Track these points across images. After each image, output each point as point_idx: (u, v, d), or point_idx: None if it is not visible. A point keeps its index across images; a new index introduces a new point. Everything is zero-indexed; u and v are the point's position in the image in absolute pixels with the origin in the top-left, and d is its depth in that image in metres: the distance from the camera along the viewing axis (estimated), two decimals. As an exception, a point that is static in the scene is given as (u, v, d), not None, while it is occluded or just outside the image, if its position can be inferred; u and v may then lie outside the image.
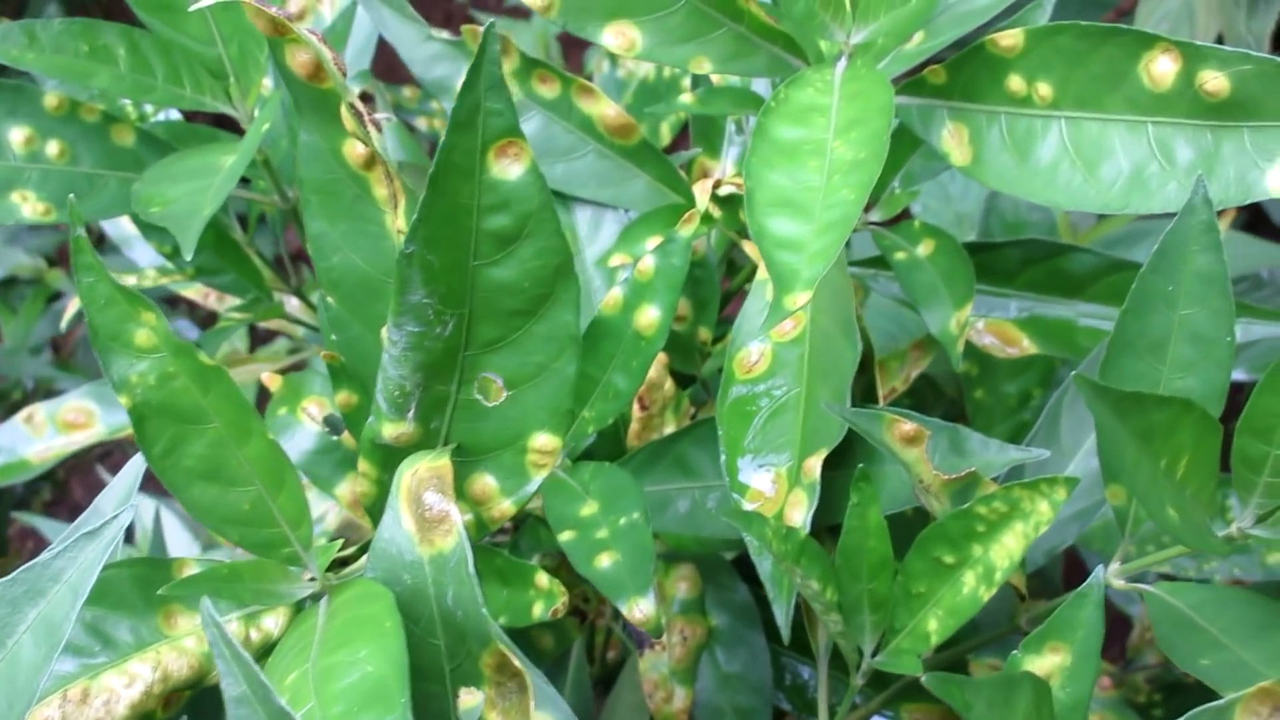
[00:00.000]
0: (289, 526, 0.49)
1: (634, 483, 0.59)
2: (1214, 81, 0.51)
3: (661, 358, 0.68)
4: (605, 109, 0.69)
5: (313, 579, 0.50)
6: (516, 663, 0.45)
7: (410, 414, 0.48)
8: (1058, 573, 0.94)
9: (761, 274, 0.64)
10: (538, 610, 0.57)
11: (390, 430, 0.48)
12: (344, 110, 0.50)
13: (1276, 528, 0.49)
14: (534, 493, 0.49)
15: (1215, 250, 0.50)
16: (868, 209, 0.70)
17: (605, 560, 0.56)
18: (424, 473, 0.46)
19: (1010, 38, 0.55)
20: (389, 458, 0.49)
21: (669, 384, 0.69)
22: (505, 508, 0.50)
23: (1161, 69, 0.53)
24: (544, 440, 0.49)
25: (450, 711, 0.47)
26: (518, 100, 0.69)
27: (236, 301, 0.79)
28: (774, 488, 0.59)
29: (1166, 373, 0.51)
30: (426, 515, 0.46)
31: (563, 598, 0.56)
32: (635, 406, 0.68)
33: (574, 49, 1.58)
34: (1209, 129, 0.52)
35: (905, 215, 0.76)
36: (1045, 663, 0.49)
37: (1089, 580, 0.50)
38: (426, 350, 0.46)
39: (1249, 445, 0.48)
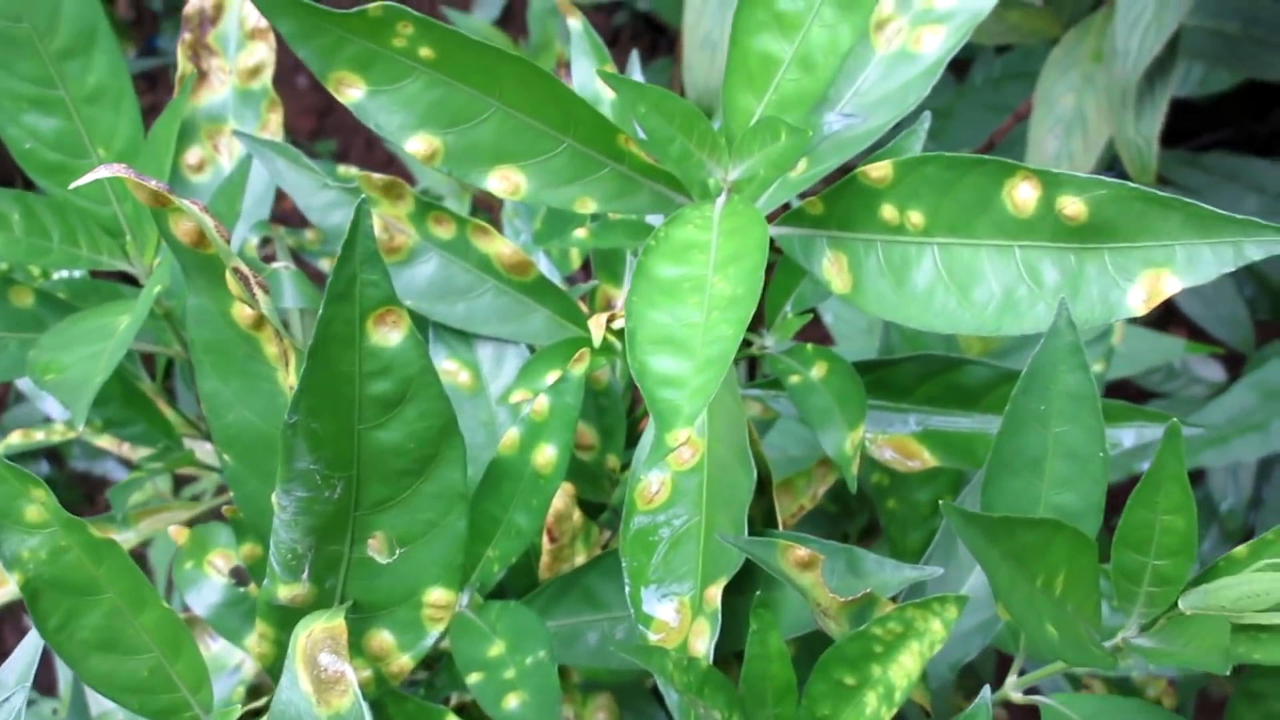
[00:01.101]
0: (189, 691, 0.49)
1: (539, 621, 0.59)
2: (1072, 206, 0.53)
3: (568, 488, 0.69)
4: (501, 248, 0.71)
5: (215, 743, 0.50)
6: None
7: (304, 575, 0.48)
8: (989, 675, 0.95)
9: (659, 404, 0.65)
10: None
11: (285, 592, 0.49)
12: (229, 275, 0.51)
13: (1160, 636, 0.50)
14: (431, 646, 0.50)
15: (1082, 370, 0.51)
16: (762, 333, 0.71)
17: (513, 701, 0.56)
18: (319, 634, 0.46)
19: (880, 169, 0.57)
20: (286, 618, 0.49)
21: (577, 514, 0.70)
22: (404, 662, 0.50)
23: (1023, 196, 0.55)
24: (438, 595, 0.49)
25: None
26: (415, 243, 0.70)
27: (148, 451, 0.79)
28: (677, 617, 0.60)
29: (1045, 489, 0.52)
30: (322, 676, 0.46)
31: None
32: (545, 538, 0.68)
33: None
34: (1072, 251, 0.54)
35: (816, 326, 0.77)
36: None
37: (976, 700, 0.51)
38: (316, 514, 0.47)
39: (1126, 558, 0.49)
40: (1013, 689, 0.56)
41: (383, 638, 0.50)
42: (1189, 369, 1.39)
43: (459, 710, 0.72)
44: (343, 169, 0.95)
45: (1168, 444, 0.48)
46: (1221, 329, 1.42)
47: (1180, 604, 0.50)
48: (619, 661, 0.63)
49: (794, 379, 0.68)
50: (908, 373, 0.73)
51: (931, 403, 0.72)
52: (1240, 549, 0.50)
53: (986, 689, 0.51)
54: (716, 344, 0.51)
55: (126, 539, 0.82)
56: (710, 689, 0.55)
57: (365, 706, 0.45)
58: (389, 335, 0.45)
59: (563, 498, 0.69)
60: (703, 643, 0.58)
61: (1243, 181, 1.36)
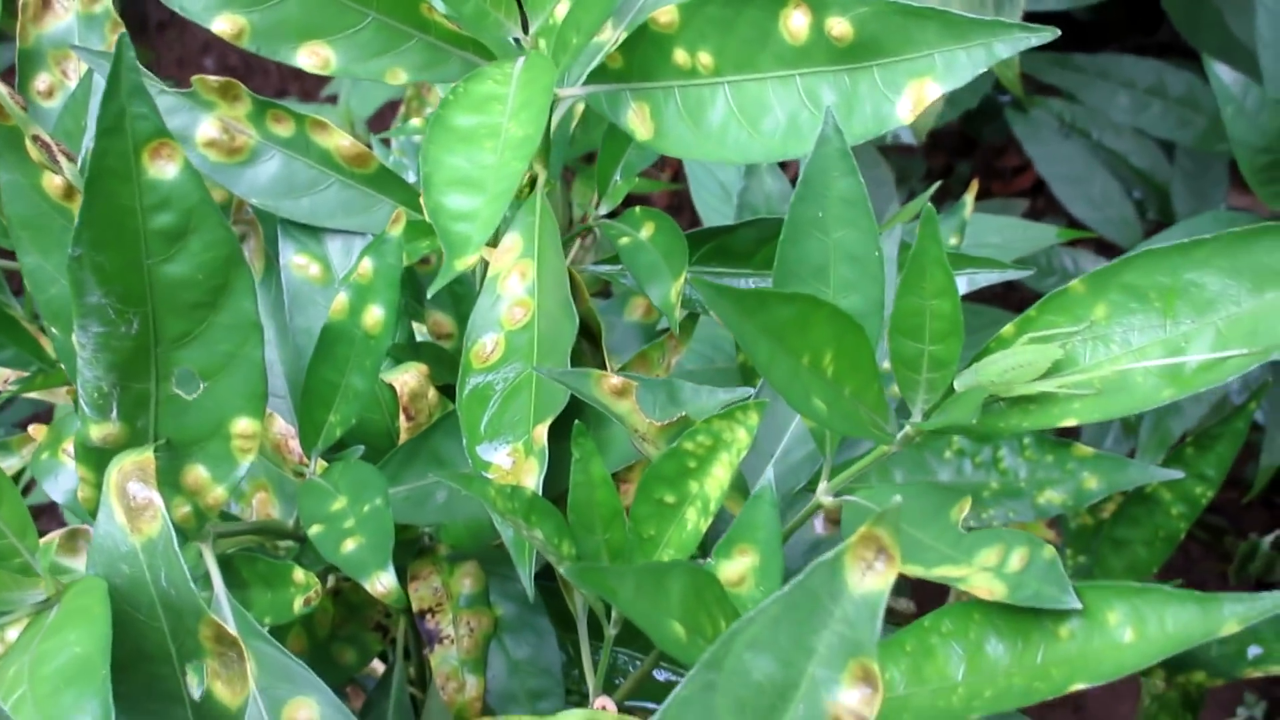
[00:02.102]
0: (15, 537, 0.51)
1: (377, 473, 0.62)
2: (839, 27, 0.56)
3: (421, 367, 0.71)
4: (340, 141, 0.73)
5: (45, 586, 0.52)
6: (231, 631, 0.48)
7: (113, 414, 0.50)
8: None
9: (492, 271, 0.67)
10: (297, 605, 0.60)
11: (97, 432, 0.51)
12: (29, 144, 0.53)
13: (939, 415, 0.53)
14: (243, 477, 0.52)
15: (853, 174, 0.54)
16: (596, 204, 0.74)
17: (350, 545, 0.59)
18: (128, 467, 0.49)
19: (666, 14, 0.60)
20: (101, 459, 0.51)
21: (432, 393, 0.72)
22: (218, 494, 0.52)
23: (796, 23, 0.57)
24: (244, 425, 0.51)
25: (181, 690, 0.49)
26: (256, 142, 0.72)
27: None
28: (511, 461, 0.62)
29: (833, 294, 0.55)
30: (133, 505, 0.48)
31: (315, 586, 0.59)
32: (402, 418, 0.71)
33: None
34: (845, 72, 0.57)
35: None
36: (738, 565, 0.52)
37: (759, 483, 0.53)
38: (115, 350, 0.49)
39: (903, 346, 0.52)
40: (824, 494, 0.58)
41: (197, 472, 0.52)
42: (1080, 266, 1.42)
43: (334, 595, 0.75)
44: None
45: (926, 230, 0.50)
46: (1111, 230, 1.45)
47: (955, 384, 0.53)
48: (461, 512, 0.65)
49: (624, 240, 0.70)
50: (746, 238, 0.75)
51: (769, 265, 0.75)
52: (1008, 327, 0.53)
53: (769, 468, 0.53)
54: (505, 180, 0.54)
55: (10, 464, 0.84)
56: (537, 515, 0.57)
57: (173, 530, 0.48)
58: (165, 168, 0.47)
59: (416, 376, 0.71)
60: (531, 478, 0.61)
61: (1113, 78, 1.39)
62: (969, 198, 0.93)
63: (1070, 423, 0.50)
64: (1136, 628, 0.43)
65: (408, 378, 0.71)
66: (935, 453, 0.85)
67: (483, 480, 0.57)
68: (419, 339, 0.76)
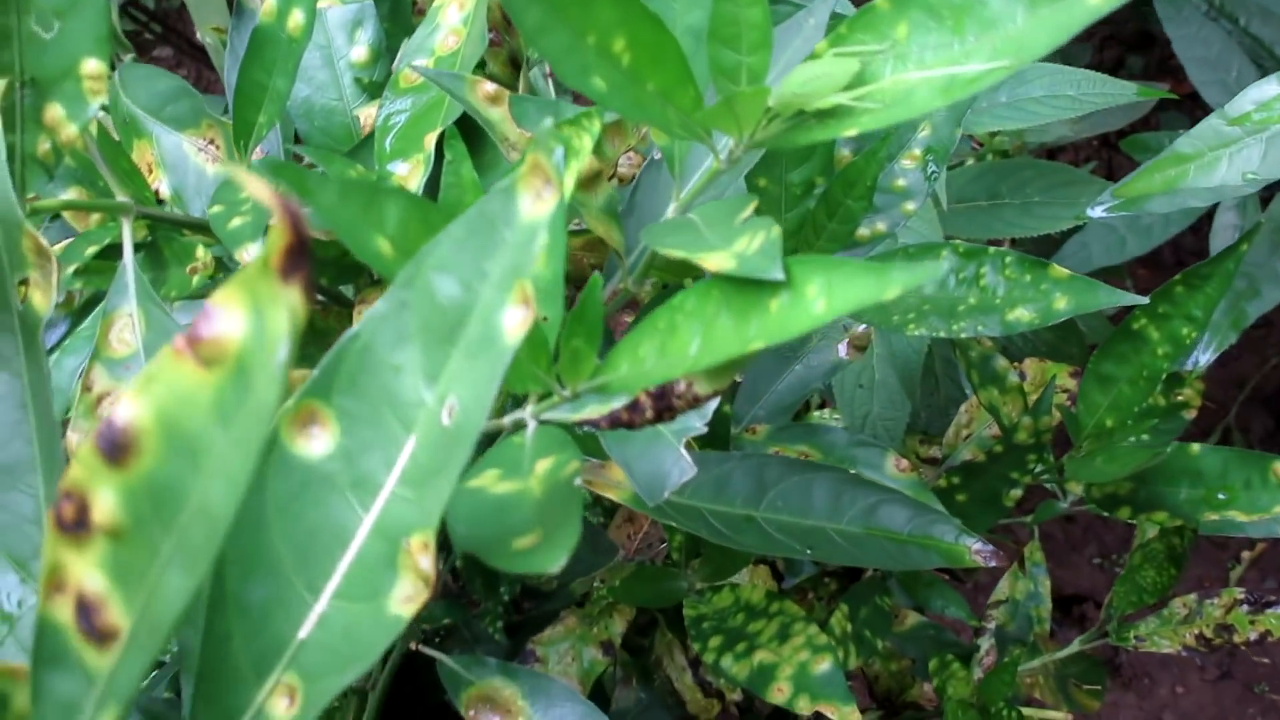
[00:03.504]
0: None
1: (290, 169, 0.65)
2: None
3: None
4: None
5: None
6: (43, 243, 0.52)
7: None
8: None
9: (437, 3, 0.70)
10: (194, 280, 0.64)
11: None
12: None
13: (763, 132, 0.53)
14: (93, 117, 0.56)
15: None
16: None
17: (237, 221, 0.63)
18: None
19: None
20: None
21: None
22: (71, 132, 0.56)
23: None
24: (92, 66, 0.55)
25: (11, 301, 0.53)
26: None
27: None
28: (408, 167, 0.65)
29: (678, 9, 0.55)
30: (-21, 122, 0.53)
31: (209, 259, 0.63)
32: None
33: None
34: None
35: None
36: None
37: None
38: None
39: (721, 55, 0.52)
40: (673, 213, 0.59)
41: (55, 110, 0.57)
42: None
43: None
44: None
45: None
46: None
47: (770, 102, 0.52)
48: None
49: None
50: None
51: None
52: (820, 43, 0.52)
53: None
54: None
55: None
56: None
57: (2, 145, 0.52)
58: None
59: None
60: (415, 181, 0.63)
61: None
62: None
63: (853, 132, 0.49)
64: (827, 298, 0.43)
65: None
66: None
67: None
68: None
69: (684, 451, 0.60)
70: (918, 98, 0.48)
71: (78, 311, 0.72)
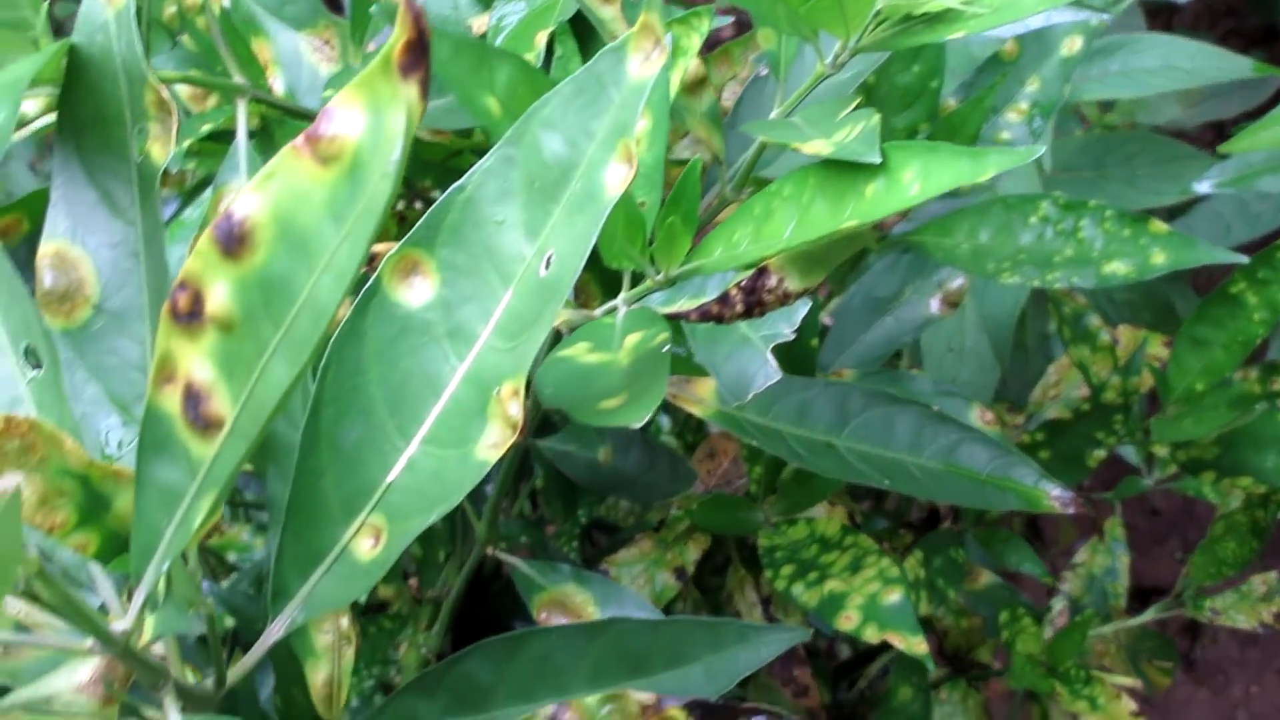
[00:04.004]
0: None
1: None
2: None
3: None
4: None
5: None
6: (165, 96, 0.54)
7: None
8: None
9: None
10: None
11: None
12: None
13: (873, 36, 0.53)
14: None
15: None
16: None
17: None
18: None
19: None
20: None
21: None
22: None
23: None
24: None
25: (128, 151, 0.55)
26: None
27: None
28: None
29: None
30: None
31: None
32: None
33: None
34: None
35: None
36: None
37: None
38: None
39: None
40: (776, 115, 0.59)
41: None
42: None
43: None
44: None
45: None
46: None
47: (878, 4, 0.53)
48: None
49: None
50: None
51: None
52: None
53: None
54: None
55: None
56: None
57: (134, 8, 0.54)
58: None
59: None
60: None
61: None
62: None
63: (960, 34, 0.50)
64: (922, 181, 0.44)
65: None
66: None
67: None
68: None
69: (770, 357, 0.61)
70: (1024, 4, 0.49)
71: (188, 193, 0.74)
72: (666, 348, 0.48)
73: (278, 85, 0.72)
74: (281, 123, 0.69)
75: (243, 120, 0.65)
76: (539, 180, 0.44)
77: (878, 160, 0.45)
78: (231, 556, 0.97)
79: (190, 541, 0.37)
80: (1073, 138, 1.15)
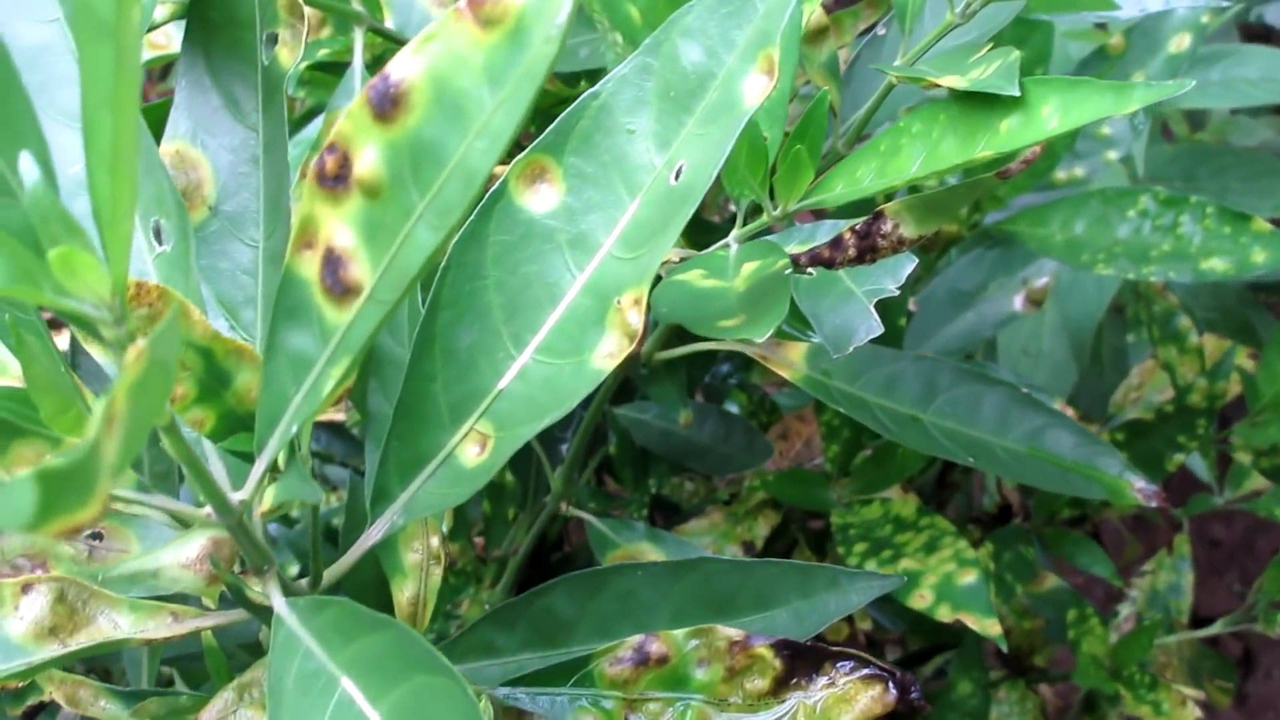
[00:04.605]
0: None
1: None
2: None
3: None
4: None
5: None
6: (301, 3, 0.54)
7: None
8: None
9: None
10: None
11: None
12: None
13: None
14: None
15: None
16: None
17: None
18: None
19: None
20: None
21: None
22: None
23: None
24: None
25: (257, 55, 0.56)
26: None
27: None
28: None
29: None
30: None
31: None
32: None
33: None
34: None
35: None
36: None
37: None
38: None
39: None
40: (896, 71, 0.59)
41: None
42: None
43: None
44: None
45: None
46: None
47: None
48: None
49: None
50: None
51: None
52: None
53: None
54: None
55: None
56: None
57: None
58: None
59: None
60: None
61: None
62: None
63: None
64: (1062, 114, 0.43)
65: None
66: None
67: None
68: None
69: (873, 310, 0.60)
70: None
71: (296, 122, 0.74)
72: (788, 270, 0.47)
73: (389, 23, 0.72)
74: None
75: (359, 45, 0.65)
76: (675, 89, 0.44)
77: (1016, 93, 0.45)
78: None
79: (320, 407, 0.37)
80: (1165, 148, 1.14)
